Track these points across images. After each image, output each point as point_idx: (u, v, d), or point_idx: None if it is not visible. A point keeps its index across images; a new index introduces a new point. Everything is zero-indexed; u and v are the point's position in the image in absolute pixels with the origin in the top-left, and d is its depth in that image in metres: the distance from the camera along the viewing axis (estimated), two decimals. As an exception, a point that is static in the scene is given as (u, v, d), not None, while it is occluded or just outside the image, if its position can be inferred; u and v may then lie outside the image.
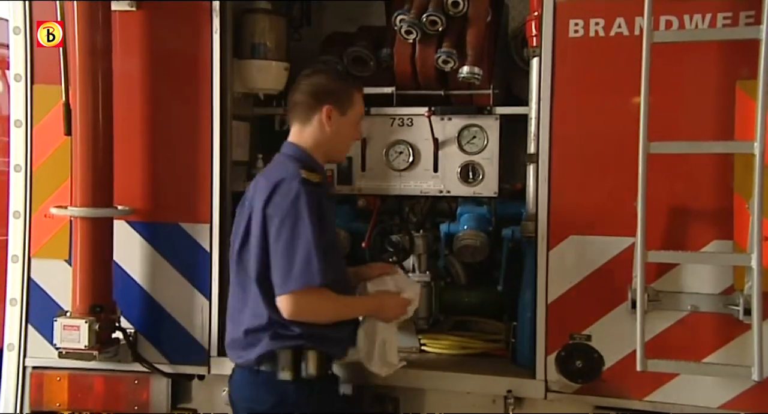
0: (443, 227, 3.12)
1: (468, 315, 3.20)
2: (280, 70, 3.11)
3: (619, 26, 2.58)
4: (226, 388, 2.85)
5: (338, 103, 2.39)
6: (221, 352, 2.89)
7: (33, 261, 3.00)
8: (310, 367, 2.28)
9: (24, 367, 2.99)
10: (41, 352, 2.95)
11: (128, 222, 2.94)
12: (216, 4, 2.86)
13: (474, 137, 3.06)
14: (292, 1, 3.45)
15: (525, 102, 2.83)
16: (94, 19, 2.75)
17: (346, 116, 2.42)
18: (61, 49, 2.81)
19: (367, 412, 2.73)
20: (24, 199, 2.99)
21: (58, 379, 2.93)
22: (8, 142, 3.02)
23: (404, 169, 3.12)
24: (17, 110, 3.00)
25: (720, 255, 2.52)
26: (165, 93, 2.93)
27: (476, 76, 2.94)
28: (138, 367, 2.92)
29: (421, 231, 3.13)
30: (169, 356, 2.94)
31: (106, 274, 2.82)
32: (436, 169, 3.08)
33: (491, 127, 3.04)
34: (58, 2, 2.81)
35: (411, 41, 3.02)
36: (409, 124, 3.10)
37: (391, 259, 3.04)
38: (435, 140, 3.06)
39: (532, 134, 2.74)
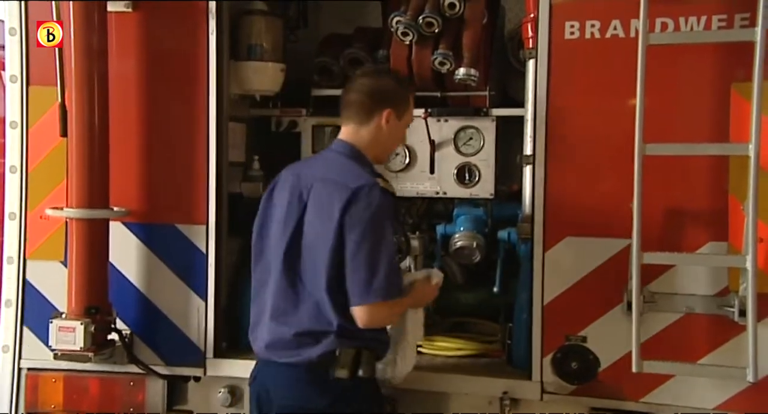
0: (439, 229, 3.12)
1: (464, 316, 3.21)
2: (276, 72, 3.12)
3: (615, 28, 2.59)
4: (223, 390, 2.91)
5: (397, 106, 2.39)
6: (217, 354, 2.92)
7: (28, 262, 3.00)
8: (365, 367, 2.25)
9: (19, 369, 2.98)
10: (36, 354, 2.95)
11: (124, 223, 2.94)
12: (212, 6, 2.87)
13: (470, 139, 3.07)
14: (288, 2, 3.46)
15: (521, 104, 2.83)
16: (90, 21, 2.75)
17: (402, 120, 2.42)
18: (57, 50, 2.82)
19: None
20: (19, 201, 2.99)
21: (53, 380, 2.93)
22: (4, 144, 3.02)
23: (401, 171, 3.13)
24: (13, 111, 3.00)
25: (715, 256, 2.54)
26: (161, 94, 2.93)
27: (472, 77, 2.95)
28: (133, 368, 2.92)
29: (418, 232, 3.14)
30: (164, 358, 2.94)
31: (101, 276, 2.82)
32: (432, 171, 3.09)
33: (488, 128, 3.05)
34: (54, 3, 2.82)
35: (407, 43, 3.03)
36: None
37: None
38: (431, 142, 3.07)
39: (529, 136, 2.74)
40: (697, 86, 2.54)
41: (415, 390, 2.78)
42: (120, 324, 2.90)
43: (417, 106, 2.99)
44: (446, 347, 3.03)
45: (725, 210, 2.51)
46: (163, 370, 2.93)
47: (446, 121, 3.07)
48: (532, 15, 2.71)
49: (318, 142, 3.24)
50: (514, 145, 2.95)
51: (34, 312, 2.96)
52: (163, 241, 2.93)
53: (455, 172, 3.08)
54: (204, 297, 2.91)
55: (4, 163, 3.03)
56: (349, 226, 2.18)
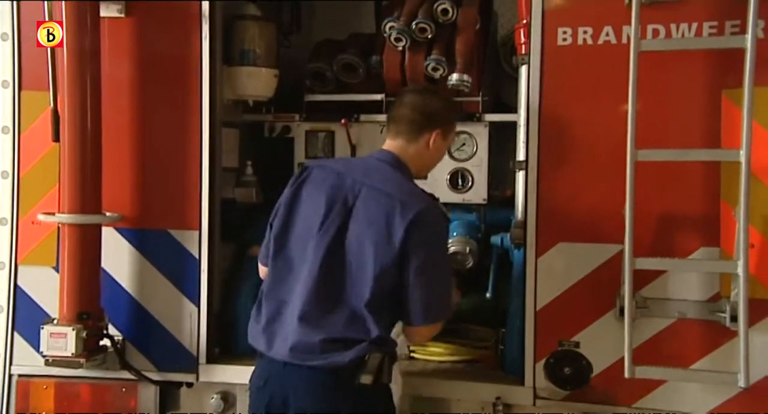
0: (432, 234, 3.12)
1: (457, 322, 3.18)
2: (269, 77, 3.11)
3: (607, 34, 2.61)
4: (215, 396, 2.90)
5: (446, 128, 2.46)
6: (210, 360, 2.91)
7: (20, 268, 2.99)
8: (387, 373, 2.24)
9: (10, 375, 2.97)
10: (27, 360, 2.94)
11: (116, 229, 2.93)
12: (205, 11, 2.86)
13: (463, 144, 3.08)
14: (282, 7, 3.46)
15: (514, 109, 2.84)
16: (83, 25, 2.74)
17: (446, 140, 2.49)
18: (49, 55, 2.82)
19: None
20: (11, 206, 2.98)
21: (44, 387, 2.91)
22: (-4, 149, 3.01)
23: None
24: (5, 117, 2.99)
25: (707, 262, 2.54)
26: (154, 100, 2.93)
27: (465, 83, 2.96)
28: (126, 374, 2.90)
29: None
30: (157, 364, 2.93)
31: (93, 281, 2.82)
32: (425, 176, 3.08)
33: (480, 134, 3.06)
34: (45, 5, 2.81)
35: (400, 48, 3.03)
36: None
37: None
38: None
39: (521, 141, 2.75)
40: (689, 92, 2.54)
41: (407, 395, 2.76)
42: (112, 330, 2.89)
43: None
44: (439, 352, 3.02)
45: (717, 216, 2.52)
46: (155, 375, 2.92)
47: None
48: (524, 21, 2.72)
49: (311, 147, 3.24)
50: (507, 151, 2.95)
51: (26, 318, 2.95)
52: (155, 246, 2.92)
53: (448, 177, 3.09)
54: (197, 302, 2.90)
55: (-4, 168, 3.02)
56: (413, 249, 2.19)
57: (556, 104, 2.66)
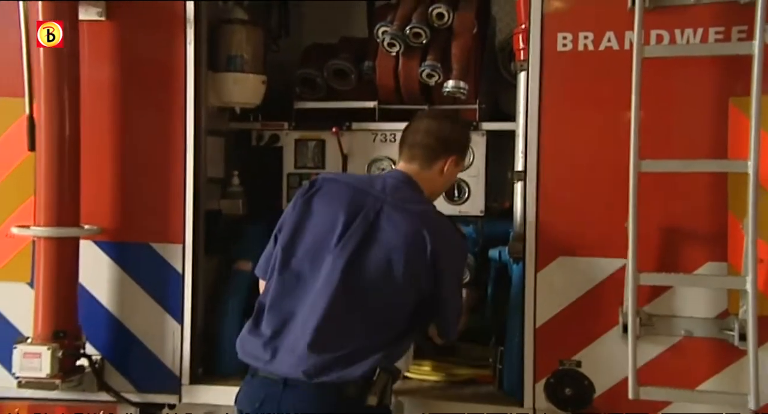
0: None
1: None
2: (257, 83, 3.10)
3: (609, 40, 2.60)
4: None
5: (461, 154, 2.57)
6: (193, 380, 2.89)
7: (-8, 284, 2.96)
8: (389, 394, 2.29)
9: (-21, 398, 2.93)
10: (-1, 382, 2.90)
11: (95, 242, 2.91)
12: (190, 14, 2.85)
13: None
14: (270, 10, 3.45)
15: (512, 117, 2.84)
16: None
17: (458, 167, 2.58)
18: (25, 60, 2.78)
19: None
20: (-17, 218, 2.95)
21: (16, 410, 2.87)
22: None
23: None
24: (-22, 124, 2.96)
25: (714, 277, 2.54)
26: (136, 107, 2.91)
27: (462, 90, 2.96)
28: (104, 396, 2.87)
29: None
30: (137, 384, 2.91)
31: (70, 298, 2.79)
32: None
33: (478, 143, 3.04)
34: (21, 8, 2.79)
35: (394, 54, 3.04)
36: (392, 139, 3.09)
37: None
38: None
39: (520, 151, 2.74)
40: (694, 101, 2.54)
41: (403, 417, 2.75)
42: (90, 349, 2.86)
43: (404, 120, 3.00)
44: (433, 372, 3.00)
45: (724, 228, 2.51)
46: (135, 397, 2.89)
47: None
48: (523, 26, 2.72)
49: (300, 157, 3.23)
50: (506, 161, 2.96)
51: (-3, 337, 2.92)
52: (136, 260, 2.90)
53: (444, 188, 3.08)
54: (180, 320, 2.88)
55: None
56: (442, 271, 2.31)
57: (556, 113, 2.65)
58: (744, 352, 2.40)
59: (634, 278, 2.44)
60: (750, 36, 2.41)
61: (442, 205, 3.03)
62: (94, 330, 2.87)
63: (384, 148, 3.11)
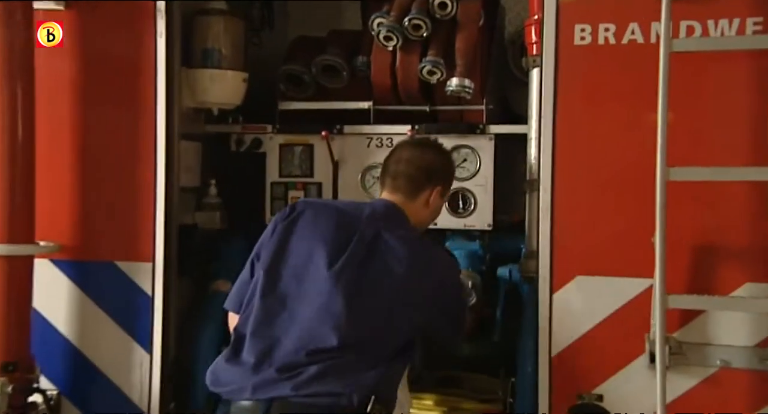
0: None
1: (457, 369, 3.12)
2: (237, 81, 3.08)
3: (633, 33, 2.56)
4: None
5: (446, 184, 2.64)
6: (162, 416, 2.87)
7: (-65, 308, 2.92)
8: None
9: None
10: (-61, 421, 2.88)
11: (52, 261, 2.90)
12: (161, 4, 2.82)
13: (465, 160, 3.05)
14: (251, 0, 3.42)
15: (524, 119, 2.83)
16: (12, 20, 2.68)
17: (443, 198, 2.64)
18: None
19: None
20: (-73, 234, 2.92)
21: (-42, 456, 2.84)
22: None
23: (383, 197, 3.10)
24: None
25: (754, 301, 2.46)
26: (99, 108, 2.89)
27: (467, 89, 2.92)
28: (61, 437, 2.81)
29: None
30: (99, 423, 2.87)
31: (22, 325, 2.75)
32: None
33: (485, 148, 3.03)
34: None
35: (391, 48, 3.00)
36: (389, 144, 3.07)
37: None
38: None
39: (533, 157, 2.73)
40: (730, 100, 2.48)
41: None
42: (45, 383, 2.83)
43: (402, 122, 3.11)
44: (437, 407, 2.91)
45: (765, 246, 2.46)
46: (97, 437, 2.84)
47: (436, 139, 2.97)
48: (536, 17, 2.68)
49: (286, 163, 3.22)
50: (516, 168, 2.94)
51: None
52: (99, 281, 2.88)
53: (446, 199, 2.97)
54: (149, 349, 2.85)
55: None
56: (442, 301, 2.41)
57: (573, 114, 2.61)
58: (789, 386, 2.34)
59: (662, 301, 2.38)
60: (793, 26, 2.36)
61: (444, 217, 3.01)
62: (50, 361, 2.84)
63: (379, 153, 3.04)
